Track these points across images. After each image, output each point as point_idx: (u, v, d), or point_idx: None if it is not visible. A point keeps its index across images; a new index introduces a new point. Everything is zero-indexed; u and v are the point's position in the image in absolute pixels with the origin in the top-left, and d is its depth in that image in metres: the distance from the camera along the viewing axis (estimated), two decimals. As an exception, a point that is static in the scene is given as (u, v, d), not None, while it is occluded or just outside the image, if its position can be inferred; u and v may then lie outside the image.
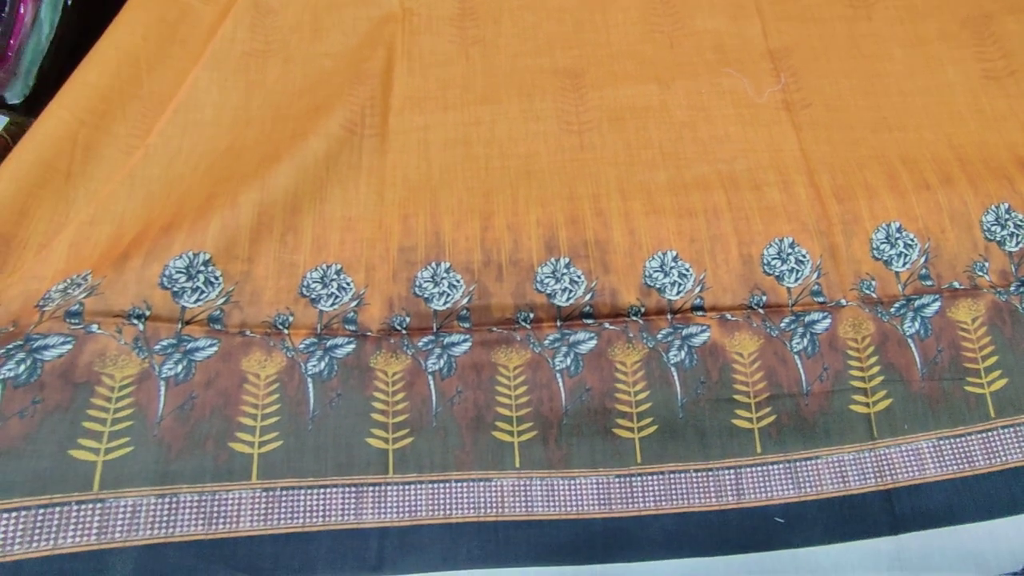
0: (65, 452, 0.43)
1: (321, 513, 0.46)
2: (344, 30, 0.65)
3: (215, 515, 0.45)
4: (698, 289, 0.53)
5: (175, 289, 0.49)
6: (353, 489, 0.47)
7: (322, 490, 0.46)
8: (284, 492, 0.46)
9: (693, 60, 0.63)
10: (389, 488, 0.47)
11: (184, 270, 0.49)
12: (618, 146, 0.59)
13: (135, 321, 0.47)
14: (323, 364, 0.50)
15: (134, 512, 0.43)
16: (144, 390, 0.46)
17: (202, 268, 0.50)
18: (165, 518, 0.43)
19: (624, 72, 0.63)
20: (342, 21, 0.66)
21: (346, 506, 0.46)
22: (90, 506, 0.43)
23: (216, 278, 0.50)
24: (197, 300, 0.49)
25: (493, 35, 0.66)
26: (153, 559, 0.42)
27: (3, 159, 0.91)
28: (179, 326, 0.49)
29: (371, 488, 0.47)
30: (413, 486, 0.47)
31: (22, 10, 1.55)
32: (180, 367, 0.48)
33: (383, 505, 0.46)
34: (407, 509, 0.46)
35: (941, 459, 0.49)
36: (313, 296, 0.52)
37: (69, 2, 1.68)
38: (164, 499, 0.44)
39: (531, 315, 0.52)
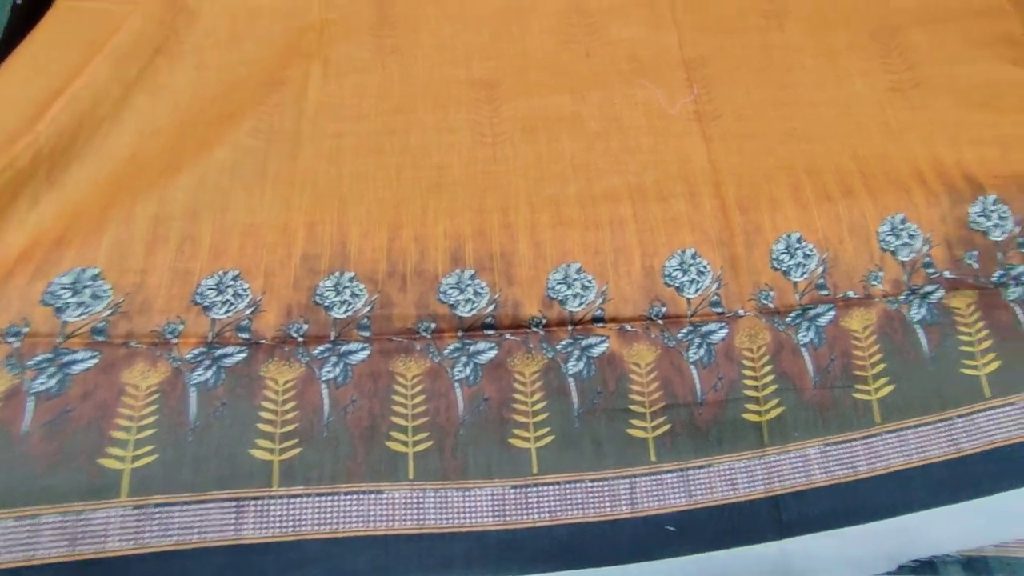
0: None
1: (197, 530, 0.45)
2: (260, 39, 0.65)
3: (79, 535, 0.44)
4: (599, 301, 0.54)
5: (58, 305, 0.49)
6: (233, 503, 0.46)
7: (199, 505, 0.46)
8: (158, 509, 0.45)
9: (608, 70, 0.64)
10: (272, 502, 0.47)
11: (69, 286, 0.50)
12: (529, 158, 0.59)
13: (10, 339, 0.47)
14: (209, 373, 0.49)
15: None
16: (10, 407, 0.46)
17: (89, 283, 0.50)
18: (24, 541, 0.43)
19: (539, 83, 0.64)
20: (259, 30, 0.66)
21: (225, 522, 0.46)
22: None
23: (104, 291, 0.50)
24: (81, 314, 0.49)
25: (411, 45, 0.66)
26: None
27: None
28: (59, 340, 0.48)
29: (253, 502, 0.46)
30: (299, 499, 0.47)
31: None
32: (54, 381, 0.47)
33: (265, 520, 0.46)
34: (291, 523, 0.46)
35: (827, 465, 0.50)
36: (206, 304, 0.52)
37: (18, 1, 1.66)
38: (23, 521, 0.43)
39: (433, 325, 0.53)
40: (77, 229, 0.51)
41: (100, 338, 0.49)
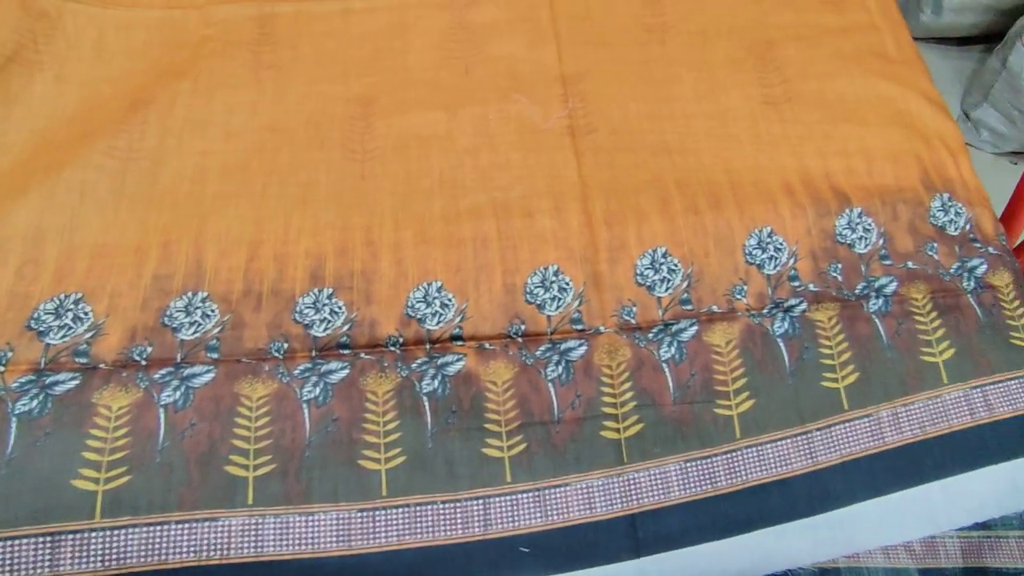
0: None
1: (8, 568, 0.44)
2: (131, 54, 0.65)
3: None
4: (458, 319, 0.53)
5: None
6: (48, 539, 0.45)
7: (10, 542, 0.44)
8: None
9: (485, 87, 0.64)
10: (94, 535, 0.45)
11: None
12: (399, 175, 0.59)
13: None
14: (35, 402, 0.48)
15: None
16: None
17: None
18: None
19: (415, 100, 0.63)
20: (130, 44, 0.65)
21: (39, 558, 0.44)
22: None
23: None
24: None
25: (290, 60, 0.66)
26: None
27: None
28: None
29: (71, 535, 0.45)
30: (124, 531, 0.45)
31: None
32: None
33: (84, 554, 0.44)
34: (114, 557, 0.45)
35: (686, 481, 0.50)
36: (41, 329, 0.50)
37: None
38: None
39: (285, 345, 0.52)
40: None
41: None
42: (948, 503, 0.50)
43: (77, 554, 0.44)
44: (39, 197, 0.53)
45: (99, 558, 0.44)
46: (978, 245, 0.59)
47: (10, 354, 0.49)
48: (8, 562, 0.44)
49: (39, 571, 0.44)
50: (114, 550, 0.45)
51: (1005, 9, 1.79)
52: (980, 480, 0.51)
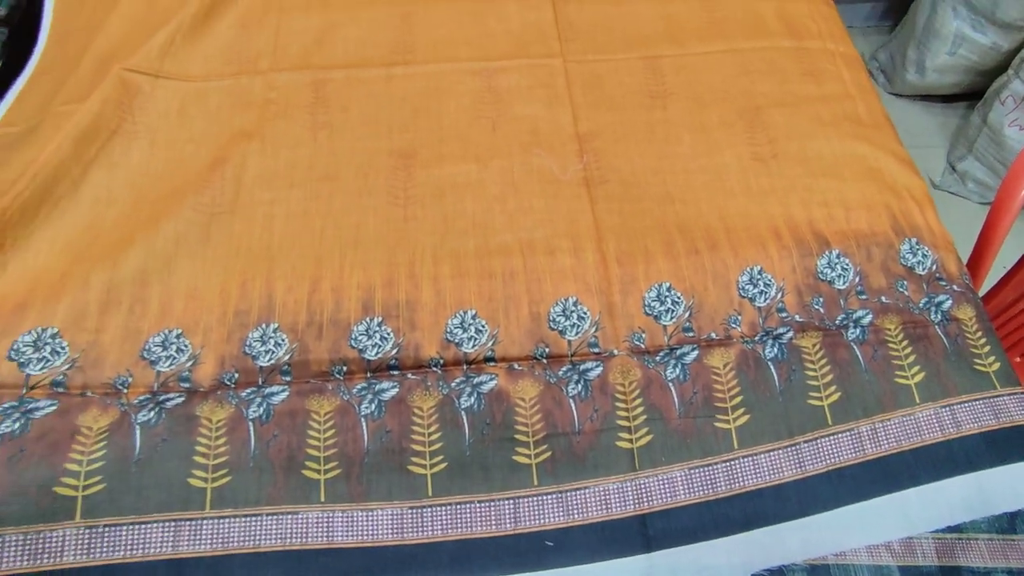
0: None
1: (141, 546, 0.53)
2: (208, 117, 0.75)
3: (40, 551, 0.51)
4: (491, 343, 0.62)
5: (21, 360, 0.57)
6: (172, 524, 0.54)
7: (142, 526, 0.53)
8: (106, 529, 0.53)
9: (510, 142, 0.74)
10: (205, 522, 0.54)
11: (32, 343, 0.58)
12: (437, 218, 0.69)
13: None
14: (152, 414, 0.58)
15: None
16: None
17: (49, 340, 0.59)
18: None
19: (450, 153, 0.73)
20: (206, 109, 0.76)
21: (164, 539, 0.53)
22: None
23: (63, 348, 0.59)
24: (42, 368, 0.57)
25: (341, 120, 0.76)
26: None
27: None
28: (23, 391, 0.56)
29: (188, 523, 0.54)
30: (227, 520, 0.54)
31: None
32: (17, 425, 0.55)
33: (198, 538, 0.54)
34: (220, 541, 0.53)
35: (690, 486, 0.57)
36: (152, 358, 0.60)
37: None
38: None
39: (344, 368, 0.61)
40: (38, 293, 0.60)
41: (59, 389, 0.58)
42: (923, 508, 0.57)
43: (192, 538, 0.53)
44: (143, 246, 0.63)
45: (208, 542, 0.53)
46: (943, 283, 0.68)
47: (130, 379, 0.59)
48: (139, 543, 0.52)
49: (163, 551, 0.52)
50: (220, 536, 0.53)
51: (984, 70, 1.93)
52: (951, 488, 0.58)
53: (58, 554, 0.51)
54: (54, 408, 0.56)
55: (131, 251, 0.63)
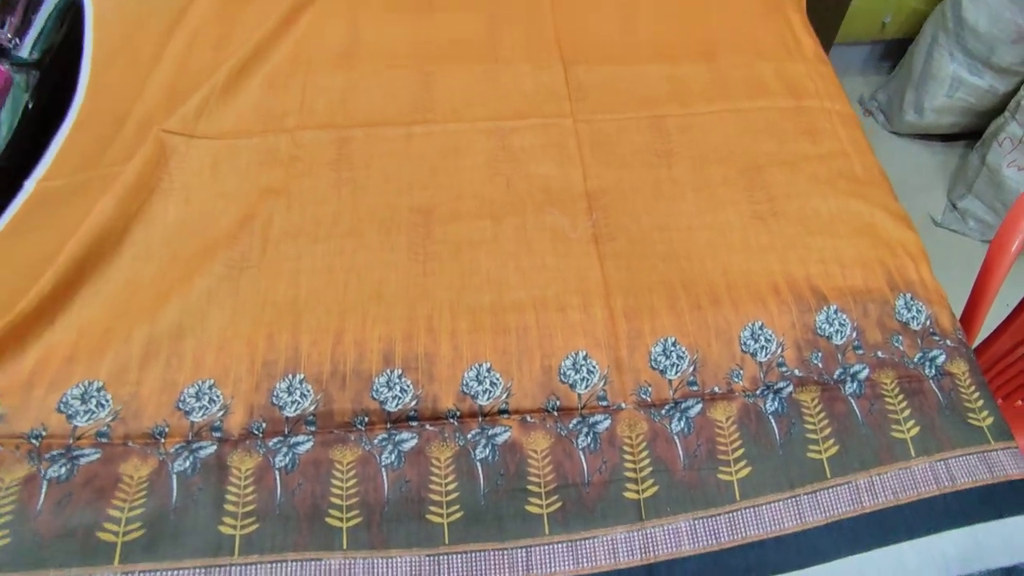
0: None
1: None
2: (238, 173, 0.80)
3: None
4: (505, 395, 0.65)
5: (69, 412, 0.61)
6: (203, 571, 0.57)
7: (176, 572, 0.56)
8: (142, 575, 0.56)
9: (524, 200, 0.78)
10: (233, 568, 0.57)
11: (79, 396, 0.62)
12: (454, 273, 0.72)
13: (33, 440, 0.59)
14: (188, 464, 0.61)
15: None
16: (28, 489, 0.57)
17: (95, 394, 0.63)
18: None
19: (467, 210, 0.77)
20: (237, 165, 0.80)
21: None
22: None
23: (107, 400, 0.63)
24: (88, 420, 0.61)
25: (363, 177, 0.80)
26: None
27: None
28: (70, 441, 0.60)
29: (218, 569, 0.57)
30: (254, 567, 0.57)
31: (-20, 114, 1.70)
32: (64, 470, 0.59)
33: None
34: None
35: (695, 536, 0.60)
36: (187, 409, 0.63)
37: (30, 105, 1.85)
38: None
39: (366, 419, 0.64)
40: (84, 347, 0.64)
41: (103, 439, 0.61)
42: (920, 560, 0.60)
43: None
44: (178, 302, 0.67)
45: None
46: (937, 338, 0.71)
47: (166, 429, 0.62)
48: None
49: None
50: None
51: (982, 112, 1.97)
52: (947, 541, 0.60)
53: None
54: (98, 456, 0.60)
55: (168, 307, 0.67)
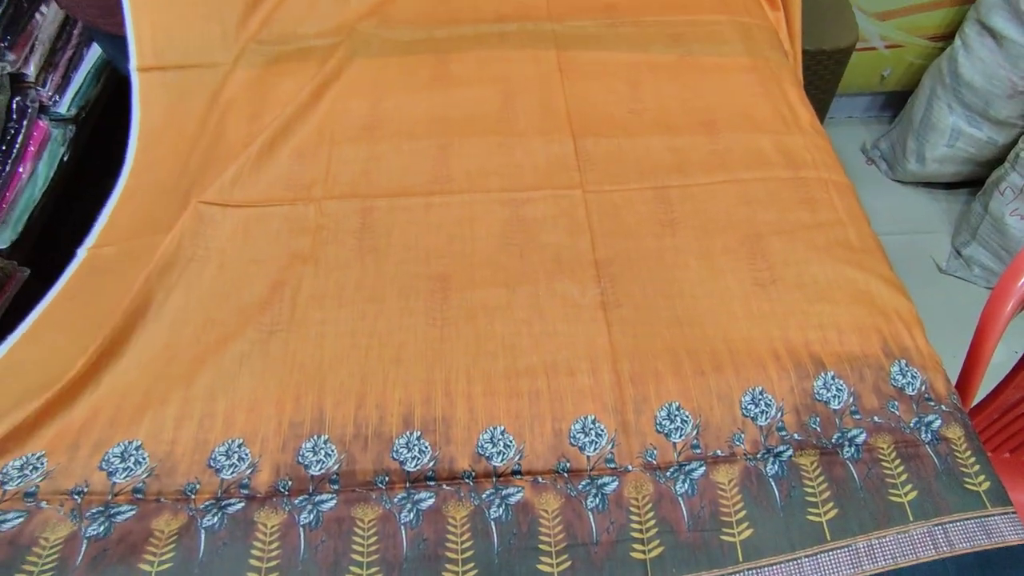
0: None
1: None
2: (268, 239, 0.85)
3: None
4: (517, 457, 0.69)
5: (110, 470, 0.65)
6: None
7: None
8: None
9: (536, 268, 0.83)
10: None
11: (119, 455, 0.66)
12: (469, 339, 0.77)
13: (75, 497, 0.63)
14: (216, 519, 0.65)
15: None
16: (70, 547, 0.61)
17: (134, 452, 0.67)
18: None
19: (482, 278, 0.82)
20: (267, 231, 0.86)
21: None
22: None
23: (144, 458, 0.67)
24: (126, 476, 0.66)
25: (385, 245, 0.86)
26: None
27: None
28: (109, 497, 0.65)
29: None
30: None
31: (20, 169, 1.81)
32: (102, 528, 0.63)
33: None
34: None
35: (699, 597, 0.63)
36: (217, 467, 0.67)
37: (65, 158, 1.94)
38: None
39: (386, 478, 0.68)
40: (126, 409, 0.69)
41: (139, 496, 0.66)
42: None
43: None
44: (212, 365, 0.72)
45: None
46: (932, 403, 0.74)
47: (197, 486, 0.66)
48: None
49: None
50: None
51: (983, 161, 2.02)
52: None
53: None
54: (133, 513, 0.64)
55: (202, 369, 0.72)
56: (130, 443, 0.68)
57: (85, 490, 0.65)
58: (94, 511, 0.64)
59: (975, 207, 2.03)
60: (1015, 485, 1.19)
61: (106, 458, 0.67)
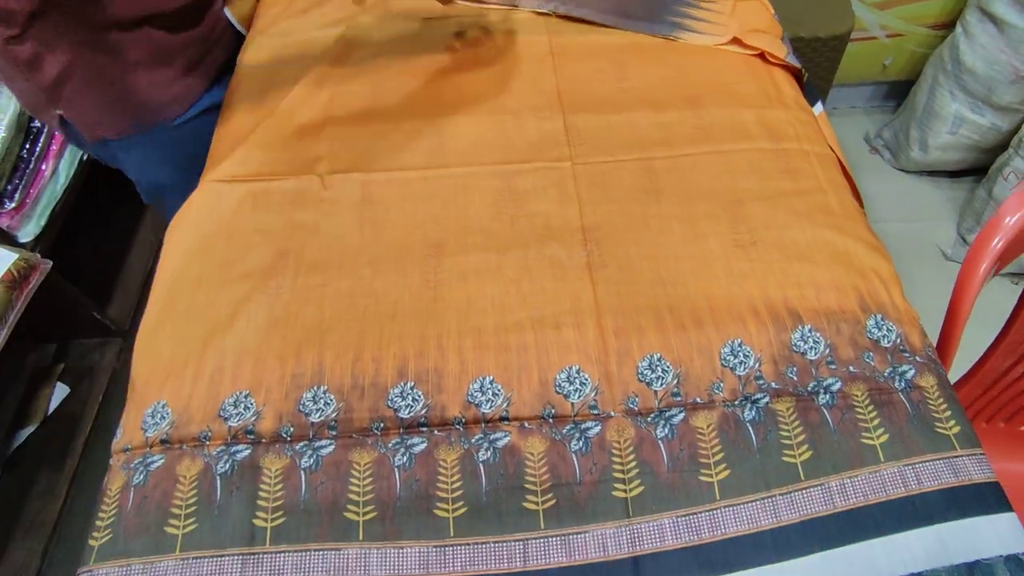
0: None
1: (216, 575, 0.65)
2: (274, 210, 0.92)
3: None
4: (505, 405, 0.73)
5: (144, 427, 0.74)
6: (239, 558, 0.66)
7: (219, 559, 0.66)
8: (195, 560, 0.66)
9: (526, 234, 0.88)
10: (265, 557, 0.66)
11: (151, 414, 0.75)
12: (461, 298, 0.81)
13: (126, 452, 0.73)
14: (227, 465, 0.70)
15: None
16: (123, 496, 0.70)
17: (160, 409, 0.75)
18: None
19: (474, 243, 0.87)
20: (272, 203, 0.92)
21: (232, 570, 0.66)
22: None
23: (168, 413, 0.75)
24: (155, 430, 0.74)
25: (384, 215, 0.91)
26: None
27: (13, 293, 1.19)
28: (147, 449, 0.73)
29: (252, 557, 0.66)
30: (282, 555, 0.66)
31: (43, 167, 1.90)
32: (141, 477, 0.71)
33: (259, 569, 0.66)
34: (275, 572, 0.65)
35: (677, 532, 0.66)
36: (226, 416, 0.73)
37: (84, 157, 2.04)
38: (123, 569, 0.66)
39: (381, 425, 0.72)
40: (156, 373, 0.78)
41: (166, 445, 0.73)
42: (888, 556, 0.65)
43: (256, 569, 0.65)
44: (223, 327, 0.80)
45: (267, 572, 0.65)
46: (907, 355, 0.77)
47: (209, 433, 0.73)
48: (216, 572, 0.65)
49: None
50: (276, 567, 0.65)
51: (986, 148, 2.04)
52: (913, 539, 0.65)
53: None
54: (163, 461, 0.71)
55: (215, 332, 0.79)
56: (159, 403, 0.75)
57: (130, 447, 0.73)
58: (136, 463, 0.72)
59: (979, 194, 2.05)
60: (1011, 454, 1.22)
61: (143, 418, 0.74)
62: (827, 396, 0.74)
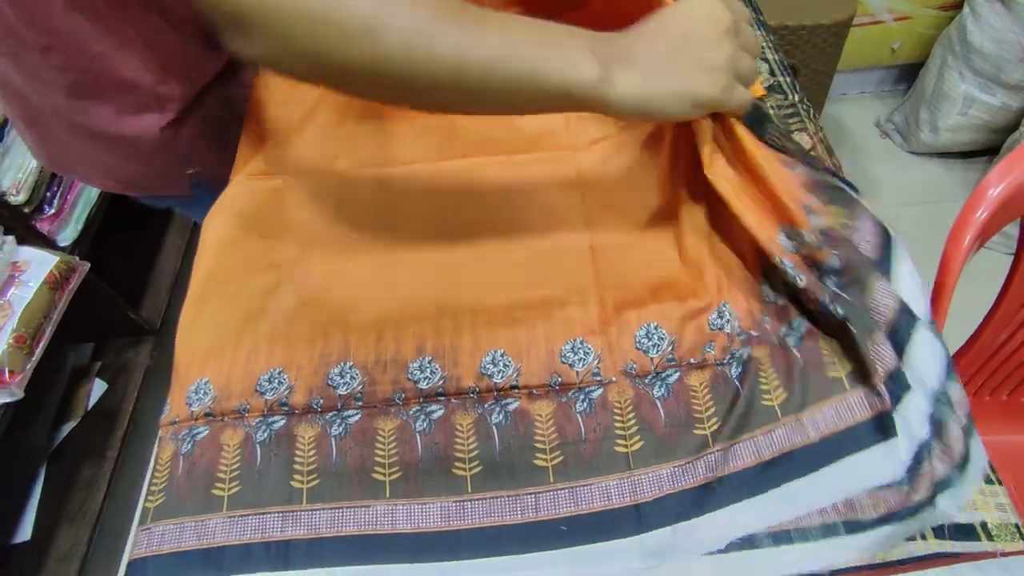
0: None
1: (260, 531, 0.76)
2: (298, 203, 1.01)
3: (202, 534, 0.76)
4: (515, 375, 0.82)
5: (189, 402, 0.85)
6: (279, 515, 0.76)
7: (261, 516, 0.76)
8: (240, 518, 0.76)
9: (534, 220, 0.97)
10: (302, 514, 0.76)
11: (195, 390, 0.85)
12: (473, 281, 0.91)
13: (173, 425, 0.84)
14: (265, 434, 0.80)
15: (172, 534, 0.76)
16: (172, 464, 0.81)
17: (203, 386, 0.86)
18: (176, 538, 0.75)
19: (485, 230, 0.96)
20: (295, 199, 1.02)
21: (273, 526, 0.76)
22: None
23: (210, 389, 0.86)
24: (198, 404, 0.85)
25: (400, 205, 1.01)
26: (167, 565, 0.74)
27: (56, 293, 1.31)
28: (192, 422, 0.83)
29: (290, 514, 0.76)
30: (318, 512, 0.76)
31: (77, 176, 2.02)
32: (189, 446, 0.82)
33: (298, 525, 0.76)
34: (313, 527, 0.75)
35: (674, 481, 0.74)
36: (262, 390, 0.83)
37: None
38: (177, 527, 0.76)
39: (403, 395, 0.82)
40: (197, 355, 0.89)
41: (209, 417, 0.84)
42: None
43: (294, 525, 0.76)
44: (256, 313, 0.91)
45: (305, 528, 0.75)
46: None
47: (248, 406, 0.84)
48: (259, 528, 0.75)
49: (275, 534, 0.75)
50: (312, 523, 0.75)
51: (997, 128, 2.08)
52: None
53: (211, 536, 0.76)
54: (207, 432, 0.82)
55: (250, 321, 0.90)
56: (201, 379, 0.86)
57: (177, 419, 0.84)
58: (183, 434, 0.83)
59: (991, 173, 2.08)
60: (1015, 427, 1.27)
61: (188, 395, 0.85)
62: (795, 338, 0.79)
